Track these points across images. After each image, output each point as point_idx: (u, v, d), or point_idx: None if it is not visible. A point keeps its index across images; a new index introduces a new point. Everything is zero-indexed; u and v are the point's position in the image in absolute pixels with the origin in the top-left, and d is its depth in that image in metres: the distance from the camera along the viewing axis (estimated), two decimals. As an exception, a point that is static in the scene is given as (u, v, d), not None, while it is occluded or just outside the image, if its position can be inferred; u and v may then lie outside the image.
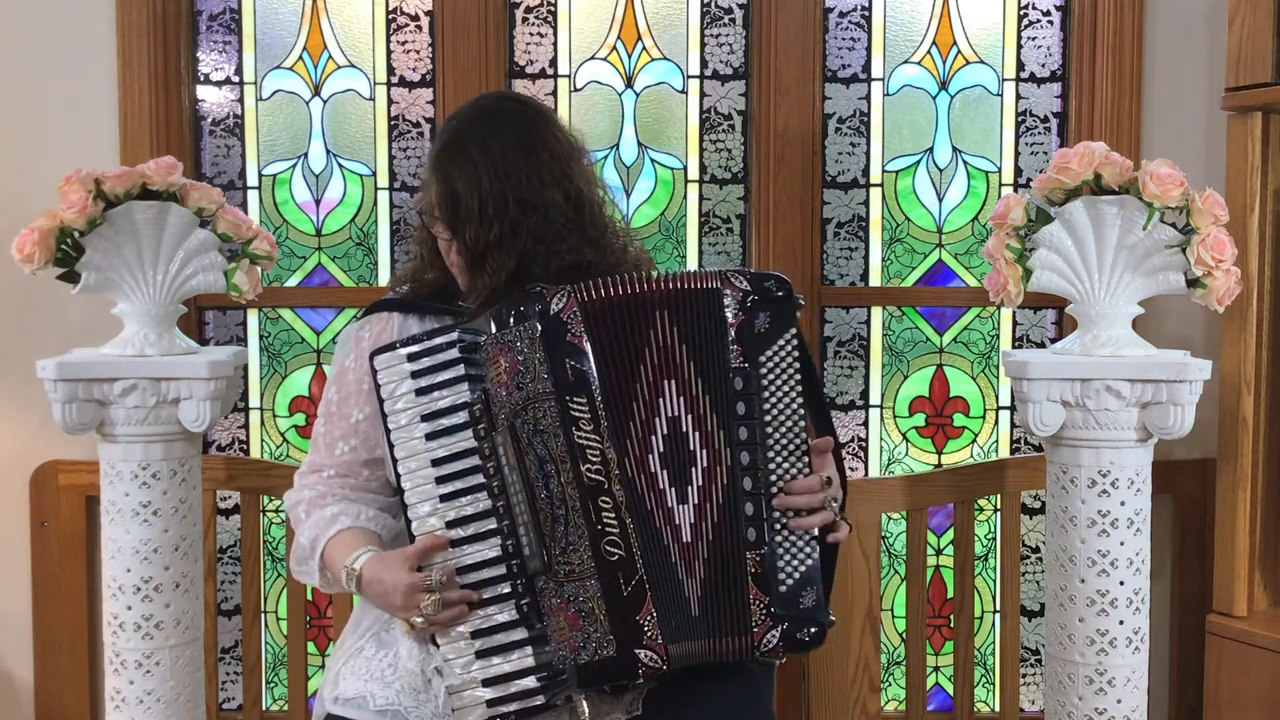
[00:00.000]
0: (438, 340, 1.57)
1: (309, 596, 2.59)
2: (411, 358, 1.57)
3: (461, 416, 1.55)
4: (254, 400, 2.66)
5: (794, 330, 1.56)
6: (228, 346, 2.48)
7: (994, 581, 2.65)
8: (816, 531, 1.56)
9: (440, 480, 1.55)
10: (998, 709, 2.61)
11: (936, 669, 2.68)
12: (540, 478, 1.51)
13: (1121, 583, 2.09)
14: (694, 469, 1.53)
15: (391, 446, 1.57)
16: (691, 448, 1.53)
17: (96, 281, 2.13)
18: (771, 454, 1.55)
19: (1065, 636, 2.13)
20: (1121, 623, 2.09)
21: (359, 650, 1.64)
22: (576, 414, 1.51)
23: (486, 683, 1.52)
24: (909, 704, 2.59)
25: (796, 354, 1.56)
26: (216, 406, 2.15)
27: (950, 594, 2.64)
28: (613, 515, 1.49)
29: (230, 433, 2.66)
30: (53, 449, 2.52)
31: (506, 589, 1.53)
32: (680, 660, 1.51)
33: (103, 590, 2.20)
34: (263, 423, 2.67)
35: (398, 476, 1.57)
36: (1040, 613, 2.60)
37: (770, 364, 1.56)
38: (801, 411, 1.56)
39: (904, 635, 2.60)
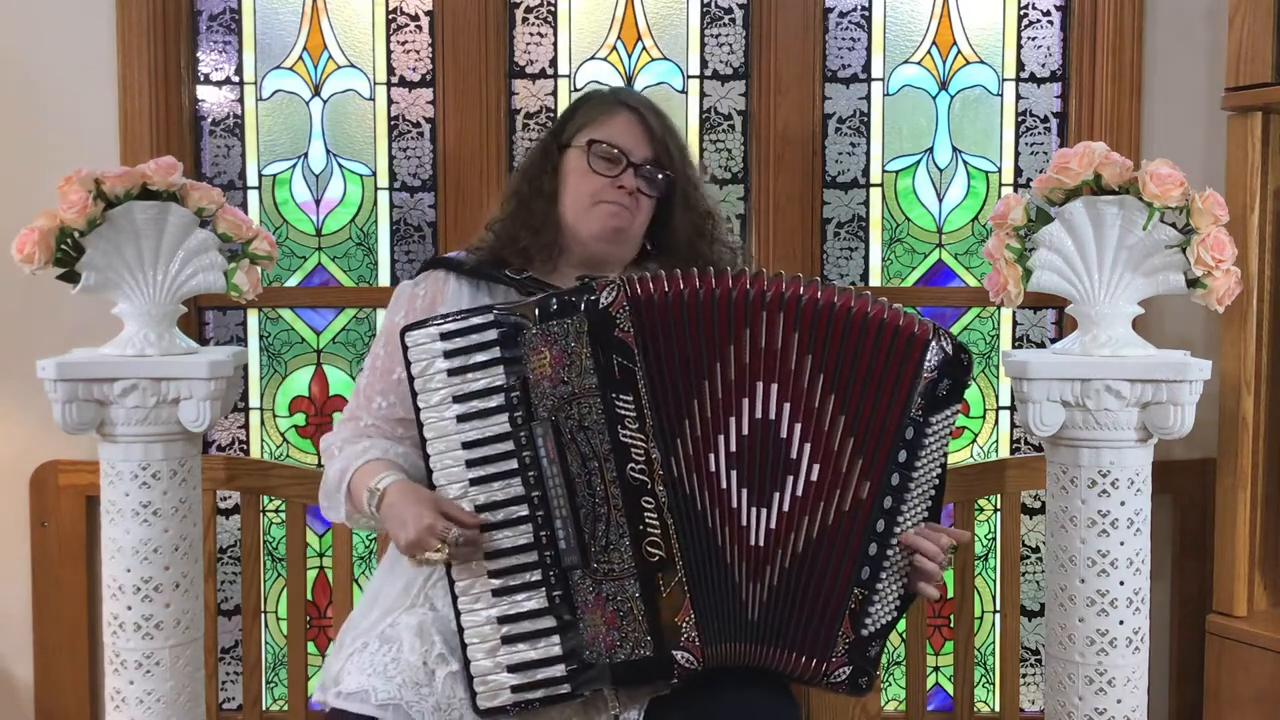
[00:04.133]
0: (474, 321, 1.57)
1: (309, 596, 2.60)
2: (445, 336, 1.57)
3: (496, 400, 1.54)
4: (254, 400, 2.66)
5: (958, 407, 1.58)
6: (228, 346, 2.48)
7: (994, 581, 2.65)
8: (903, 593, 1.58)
9: (471, 464, 1.55)
10: (998, 709, 2.61)
11: (936, 669, 2.68)
12: (583, 474, 1.50)
13: (1121, 583, 2.09)
14: (792, 477, 1.52)
15: (421, 426, 1.57)
16: (793, 455, 1.52)
17: (96, 281, 2.13)
18: (904, 506, 1.55)
19: (1065, 636, 2.13)
20: (1121, 623, 2.09)
21: (363, 646, 1.64)
22: (622, 412, 1.50)
23: (512, 669, 1.52)
24: (909, 704, 2.59)
25: (951, 430, 1.58)
26: (216, 406, 2.15)
27: (950, 594, 2.64)
28: (655, 516, 1.49)
29: (230, 433, 2.66)
30: (53, 449, 2.52)
31: (537, 576, 1.52)
32: (717, 660, 1.50)
33: (103, 590, 2.20)
34: (263, 423, 2.67)
35: (426, 457, 1.57)
36: (1040, 613, 2.60)
37: (936, 428, 1.56)
38: (938, 482, 1.58)
39: (904, 635, 2.60)
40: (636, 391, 1.51)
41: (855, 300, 1.55)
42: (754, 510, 1.52)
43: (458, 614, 1.55)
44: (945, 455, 1.59)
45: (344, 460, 1.68)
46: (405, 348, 1.58)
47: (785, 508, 1.52)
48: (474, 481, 1.55)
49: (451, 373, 1.56)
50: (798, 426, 1.52)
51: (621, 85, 1.79)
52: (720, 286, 1.54)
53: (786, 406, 1.52)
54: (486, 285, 1.76)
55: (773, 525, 1.52)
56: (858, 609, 1.52)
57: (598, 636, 1.49)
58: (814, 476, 1.52)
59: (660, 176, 1.73)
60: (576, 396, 1.51)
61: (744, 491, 1.52)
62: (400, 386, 1.69)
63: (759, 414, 1.52)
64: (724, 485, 1.52)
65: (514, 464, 1.54)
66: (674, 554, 1.49)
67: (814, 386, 1.53)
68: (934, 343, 1.55)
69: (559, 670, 1.51)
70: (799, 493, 1.52)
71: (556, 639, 1.51)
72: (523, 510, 1.53)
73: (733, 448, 1.52)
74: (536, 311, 1.54)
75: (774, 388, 1.53)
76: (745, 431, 1.52)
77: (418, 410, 1.58)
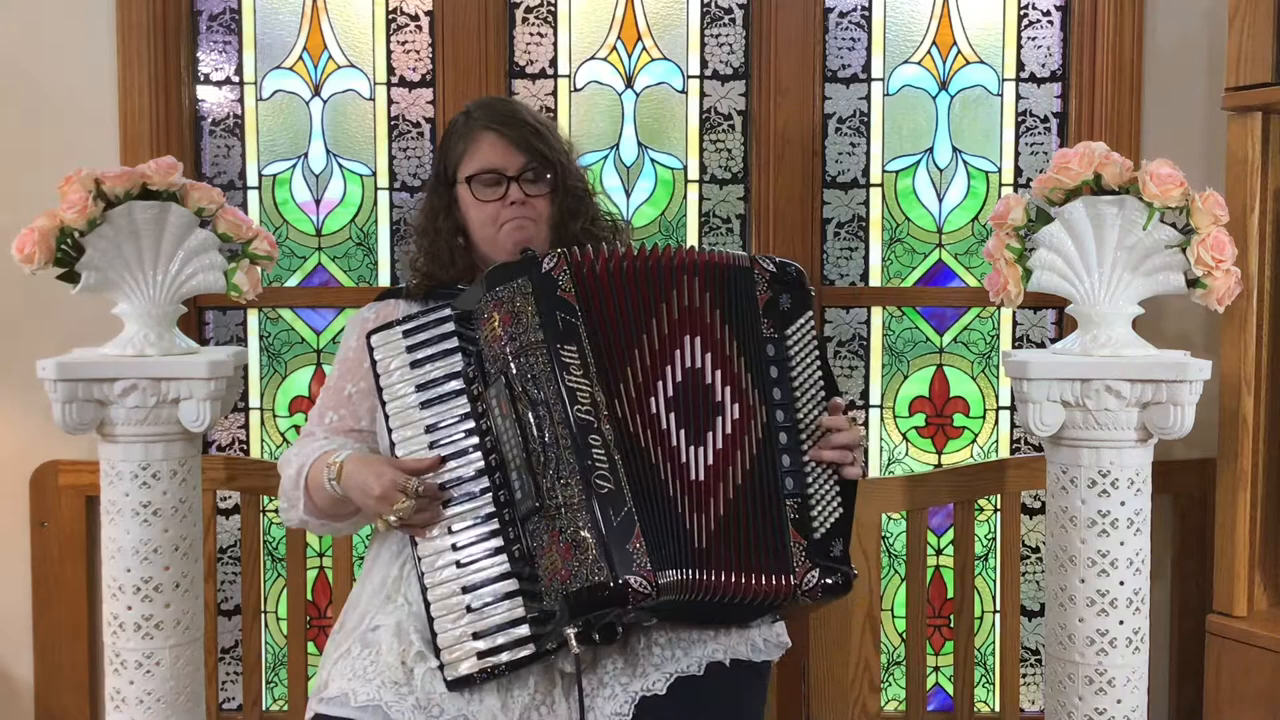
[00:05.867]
0: (431, 316, 1.71)
1: (309, 596, 2.60)
2: (407, 334, 1.72)
3: (455, 384, 1.67)
4: (254, 400, 2.66)
5: (810, 313, 1.75)
6: (228, 346, 2.48)
7: (994, 581, 2.65)
8: (840, 487, 1.69)
9: (434, 446, 1.66)
10: (998, 709, 2.61)
11: (936, 669, 2.68)
12: (533, 420, 1.59)
13: (1121, 583, 2.09)
14: (720, 418, 1.65)
15: (387, 418, 1.69)
16: (718, 399, 1.66)
17: (96, 281, 2.13)
18: (800, 414, 1.68)
19: (1065, 636, 2.13)
20: (1121, 623, 2.09)
21: (346, 651, 1.68)
22: (567, 360, 1.60)
23: (477, 635, 1.59)
24: (909, 704, 2.59)
25: (814, 334, 1.74)
26: (216, 406, 2.15)
27: (950, 594, 2.64)
28: (602, 452, 1.57)
29: (230, 433, 2.66)
30: (53, 449, 2.52)
31: (499, 542, 1.62)
32: (675, 591, 1.55)
33: (103, 590, 2.20)
34: (263, 423, 2.67)
35: (392, 445, 1.68)
36: (1040, 613, 2.60)
37: (795, 338, 1.71)
38: (821, 381, 1.72)
39: (904, 635, 2.60)
40: (580, 343, 1.62)
41: (722, 256, 1.73)
42: (691, 449, 1.63)
43: (424, 589, 1.62)
44: (818, 360, 1.73)
45: (300, 460, 1.78)
46: (371, 349, 1.72)
47: (719, 445, 1.64)
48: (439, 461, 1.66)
49: (414, 365, 1.70)
50: (718, 373, 1.67)
51: (471, 103, 1.90)
52: (651, 256, 1.69)
53: (708, 357, 1.67)
54: (435, 303, 1.82)
55: (710, 462, 1.63)
56: (800, 517, 1.64)
57: (555, 575, 1.54)
58: (736, 415, 1.66)
59: (545, 175, 1.84)
60: (525, 350, 1.61)
61: (681, 432, 1.63)
62: (350, 401, 1.83)
63: (688, 364, 1.66)
64: (664, 426, 1.63)
65: (474, 440, 1.65)
66: (622, 486, 1.56)
67: (724, 337, 1.68)
68: (754, 268, 1.73)
69: (523, 630, 1.58)
70: (728, 430, 1.65)
71: (520, 600, 1.59)
72: (484, 483, 1.63)
73: (670, 393, 1.64)
74: (485, 282, 1.67)
75: (697, 340, 1.67)
76: (679, 379, 1.65)
77: (384, 403, 1.70)
